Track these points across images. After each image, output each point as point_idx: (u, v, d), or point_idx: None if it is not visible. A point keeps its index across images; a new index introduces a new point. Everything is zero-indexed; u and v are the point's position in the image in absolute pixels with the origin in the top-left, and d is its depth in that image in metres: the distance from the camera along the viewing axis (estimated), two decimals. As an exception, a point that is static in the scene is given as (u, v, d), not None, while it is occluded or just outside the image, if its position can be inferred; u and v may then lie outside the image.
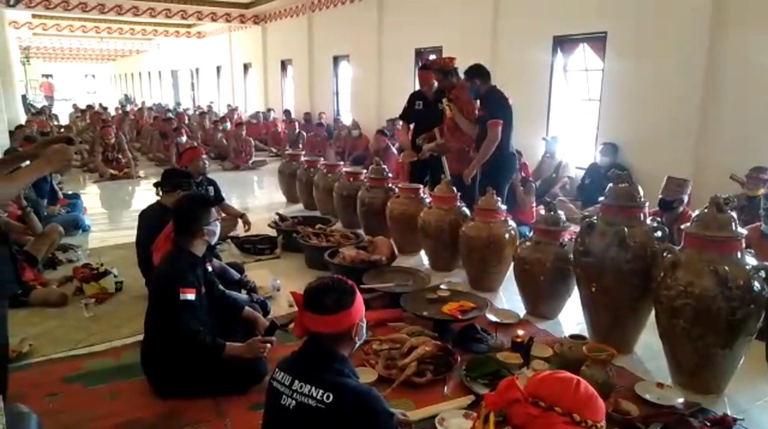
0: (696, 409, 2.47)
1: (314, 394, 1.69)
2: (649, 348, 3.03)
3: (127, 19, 14.74)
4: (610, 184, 3.08)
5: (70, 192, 7.00)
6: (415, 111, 5.41)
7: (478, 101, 4.75)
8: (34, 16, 15.56)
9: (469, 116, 4.86)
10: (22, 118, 12.50)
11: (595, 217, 3.13)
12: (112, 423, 2.41)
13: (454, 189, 4.43)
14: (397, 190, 4.98)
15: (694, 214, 2.72)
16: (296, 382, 1.73)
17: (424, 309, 3.27)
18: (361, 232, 5.10)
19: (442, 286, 3.66)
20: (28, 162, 2.22)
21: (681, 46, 5.60)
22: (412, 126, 5.49)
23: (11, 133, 8.69)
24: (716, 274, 2.44)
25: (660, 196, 4.08)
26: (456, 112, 4.83)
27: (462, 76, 4.80)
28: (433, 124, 5.20)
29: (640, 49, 6.01)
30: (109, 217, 6.67)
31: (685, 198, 4.02)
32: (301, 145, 10.66)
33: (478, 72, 4.60)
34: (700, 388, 2.64)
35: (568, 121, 7.40)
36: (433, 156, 5.16)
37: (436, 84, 5.24)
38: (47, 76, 30.94)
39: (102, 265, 4.16)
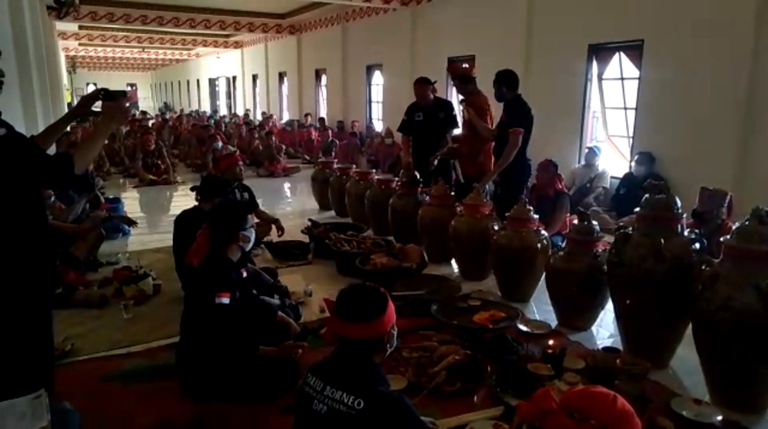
0: (736, 428, 2.39)
1: (345, 400, 1.70)
2: (685, 363, 2.95)
3: (168, 29, 15.23)
4: (646, 195, 3.02)
5: (111, 196, 7.24)
6: (415, 122, 5.44)
7: (502, 106, 4.74)
8: (80, 27, 16.24)
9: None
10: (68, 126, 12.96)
11: (630, 228, 3.07)
12: (147, 423, 2.48)
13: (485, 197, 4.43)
14: (428, 197, 5.00)
15: (734, 227, 2.65)
16: (328, 387, 1.75)
17: (454, 318, 3.27)
18: (392, 239, 5.13)
19: (473, 295, 3.65)
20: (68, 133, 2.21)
21: (722, 54, 5.46)
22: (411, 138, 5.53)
23: (58, 141, 9.02)
24: (758, 289, 2.36)
25: (694, 208, 3.98)
26: (473, 115, 4.88)
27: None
28: (433, 135, 5.30)
29: (679, 56, 5.88)
30: (148, 221, 6.84)
31: (724, 210, 3.90)
32: (333, 153, 10.78)
33: (508, 79, 4.60)
34: (741, 406, 2.55)
35: (602, 130, 7.28)
36: (443, 159, 5.29)
37: (432, 96, 5.33)
38: (93, 84, 32.11)
39: (141, 267, 4.30)
